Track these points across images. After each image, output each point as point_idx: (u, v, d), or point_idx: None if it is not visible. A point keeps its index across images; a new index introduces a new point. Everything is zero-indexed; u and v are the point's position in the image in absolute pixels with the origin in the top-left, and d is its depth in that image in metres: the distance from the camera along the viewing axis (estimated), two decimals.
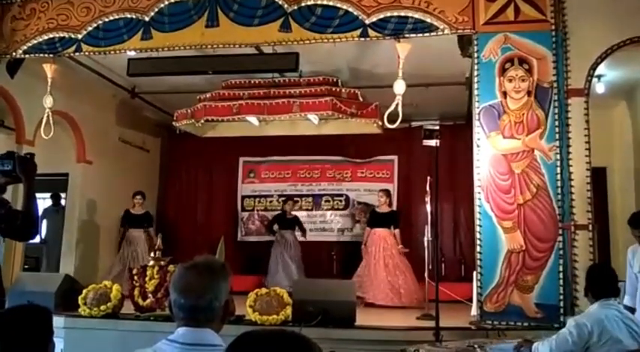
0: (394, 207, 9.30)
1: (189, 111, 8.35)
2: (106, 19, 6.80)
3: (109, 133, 9.75)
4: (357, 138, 9.42)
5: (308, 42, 6.37)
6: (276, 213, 10.03)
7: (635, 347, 3.38)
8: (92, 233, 9.37)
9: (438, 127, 5.90)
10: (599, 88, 7.61)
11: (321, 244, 10.25)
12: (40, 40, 6.98)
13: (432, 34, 6.08)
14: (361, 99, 8.21)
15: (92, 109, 9.23)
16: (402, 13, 6.09)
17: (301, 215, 10.06)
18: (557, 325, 5.37)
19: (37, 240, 8.61)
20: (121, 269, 8.63)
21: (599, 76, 7.33)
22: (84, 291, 5.88)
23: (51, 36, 6.95)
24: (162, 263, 5.93)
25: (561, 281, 5.52)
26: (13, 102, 7.78)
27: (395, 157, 10.49)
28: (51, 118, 7.00)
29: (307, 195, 10.63)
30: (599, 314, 3.45)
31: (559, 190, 5.66)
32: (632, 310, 4.35)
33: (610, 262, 7.08)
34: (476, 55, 6.02)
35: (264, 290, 5.65)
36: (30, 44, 7.01)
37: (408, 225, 9.01)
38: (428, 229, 7.38)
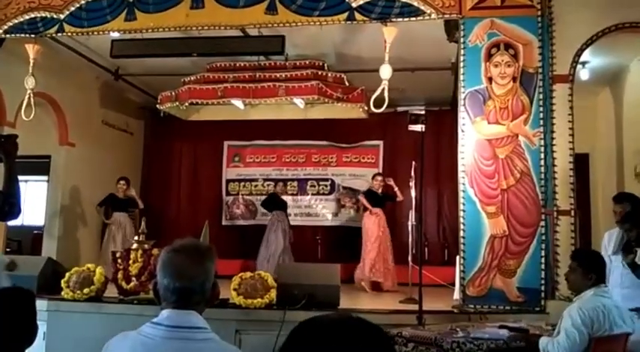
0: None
1: (173, 93, 8.27)
2: None
3: (92, 115, 9.63)
4: (343, 122, 9.39)
5: (294, 24, 6.31)
6: (265, 196, 9.98)
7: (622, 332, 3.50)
8: (74, 215, 9.30)
9: (423, 112, 5.89)
10: (583, 74, 7.65)
11: (306, 228, 10.27)
12: (22, 19, 6.83)
13: (419, 18, 6.05)
14: (347, 83, 8.19)
15: (75, 91, 9.10)
16: None
17: (286, 199, 10.05)
18: (539, 309, 5.47)
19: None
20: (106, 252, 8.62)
21: (583, 63, 7.35)
22: (67, 274, 5.84)
23: (32, 16, 6.81)
24: (146, 246, 5.90)
25: (543, 266, 5.59)
26: None
27: (380, 142, 10.49)
28: (32, 100, 6.90)
29: (292, 180, 10.60)
30: (597, 303, 3.50)
31: (542, 176, 5.71)
32: None
33: (591, 247, 7.16)
34: (462, 40, 6.01)
35: (248, 274, 5.66)
36: (11, 24, 6.86)
37: (392, 209, 9.02)
38: (412, 214, 7.43)
